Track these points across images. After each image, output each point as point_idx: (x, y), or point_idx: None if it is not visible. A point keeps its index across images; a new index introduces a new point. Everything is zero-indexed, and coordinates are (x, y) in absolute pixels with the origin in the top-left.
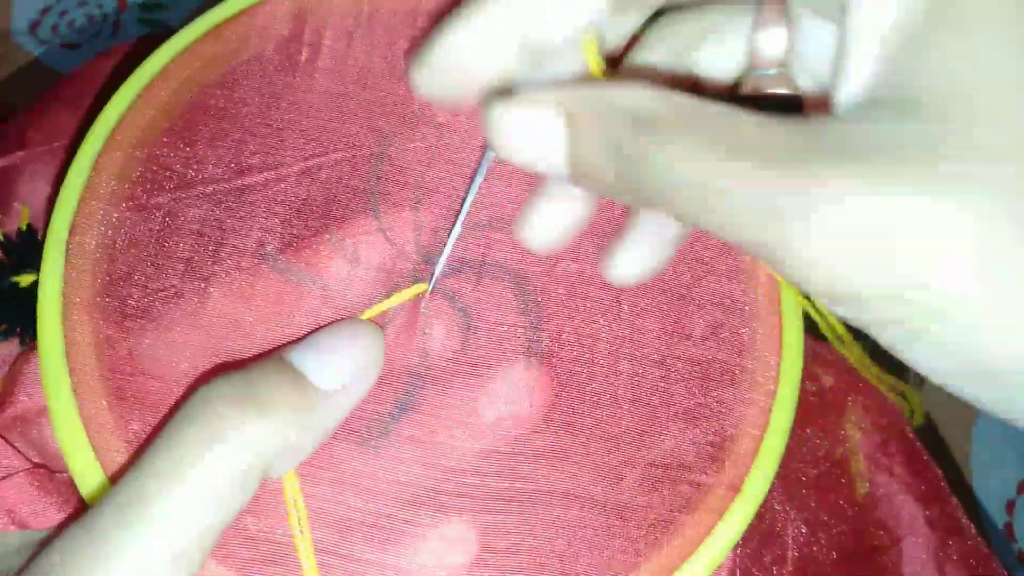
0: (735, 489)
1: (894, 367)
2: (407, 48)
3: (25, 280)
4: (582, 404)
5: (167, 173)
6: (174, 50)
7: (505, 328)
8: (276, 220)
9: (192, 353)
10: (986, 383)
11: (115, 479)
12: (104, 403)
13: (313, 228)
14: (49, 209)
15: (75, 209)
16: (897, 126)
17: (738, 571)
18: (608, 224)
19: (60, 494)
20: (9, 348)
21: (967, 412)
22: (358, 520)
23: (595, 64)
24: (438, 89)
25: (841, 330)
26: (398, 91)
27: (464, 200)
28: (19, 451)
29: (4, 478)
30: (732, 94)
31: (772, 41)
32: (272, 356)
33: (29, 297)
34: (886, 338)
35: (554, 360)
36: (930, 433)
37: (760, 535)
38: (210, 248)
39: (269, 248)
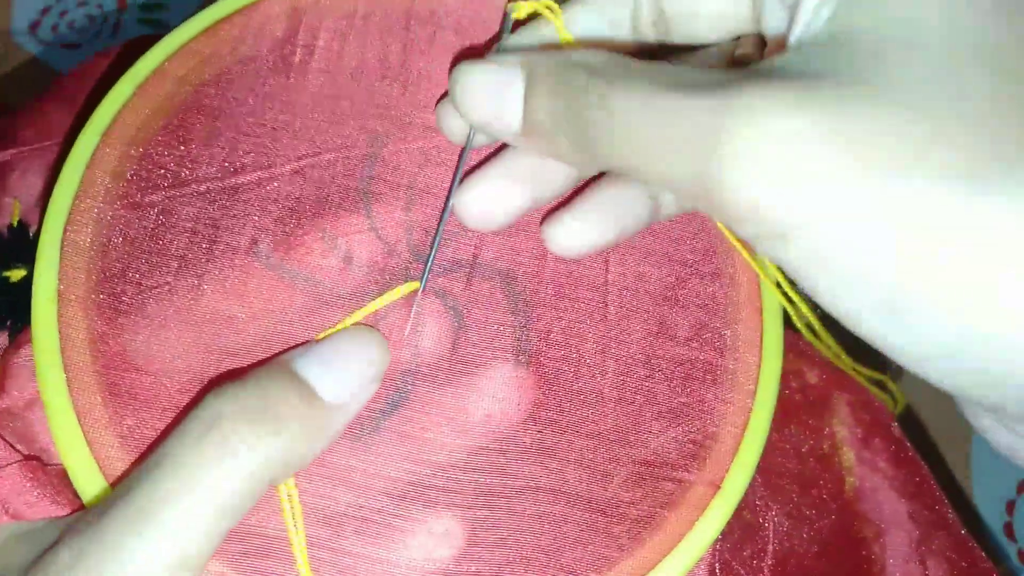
0: (715, 486)
1: (872, 360)
2: (400, 49)
3: (15, 275)
4: (569, 402)
5: (161, 171)
6: (169, 49)
7: (495, 327)
8: (269, 218)
9: (185, 349)
10: (886, 319)
11: (109, 474)
12: (98, 398)
13: (306, 227)
14: (42, 205)
15: (70, 206)
16: (817, 61)
17: (718, 564)
18: None
19: (53, 485)
20: None
21: None
22: (349, 514)
23: (563, 33)
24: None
25: (816, 324)
26: (391, 92)
27: (447, 197)
28: (10, 444)
29: None
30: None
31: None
32: (280, 365)
33: (18, 292)
34: (805, 276)
35: (542, 359)
36: (930, 433)
37: (741, 529)
38: (203, 246)
39: (262, 246)
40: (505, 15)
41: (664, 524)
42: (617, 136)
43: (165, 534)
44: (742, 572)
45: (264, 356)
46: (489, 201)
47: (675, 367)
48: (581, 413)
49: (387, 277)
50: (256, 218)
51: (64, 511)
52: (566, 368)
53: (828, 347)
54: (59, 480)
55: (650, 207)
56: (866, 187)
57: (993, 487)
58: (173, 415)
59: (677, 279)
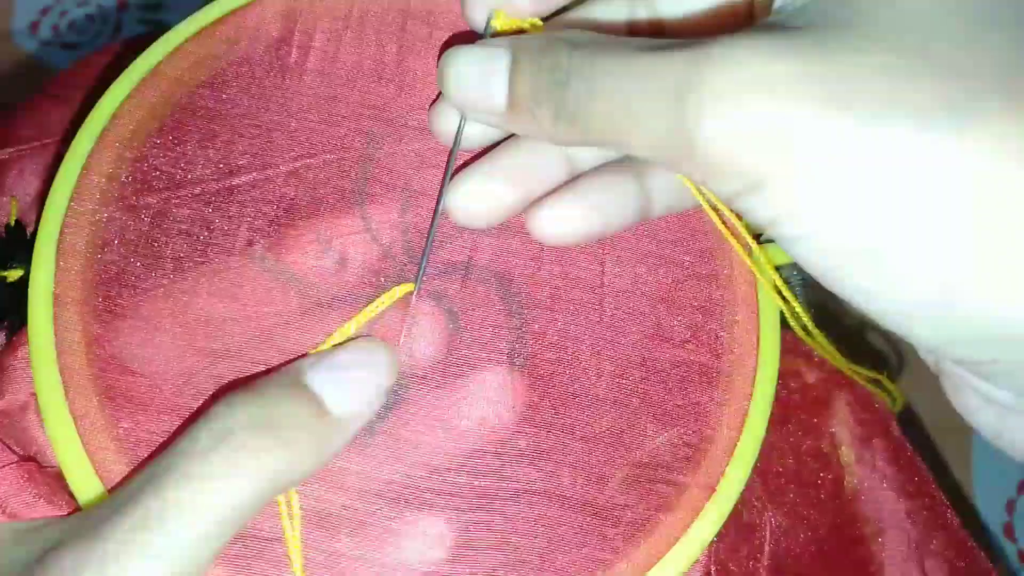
0: (711, 489)
1: (871, 360)
2: (396, 51)
3: (12, 275)
4: (564, 405)
5: (156, 173)
6: (165, 50)
7: (490, 329)
8: (264, 220)
9: (181, 351)
10: (868, 270)
11: (105, 476)
12: (95, 401)
13: (301, 228)
14: (38, 205)
15: (66, 209)
16: (796, 18)
17: (714, 565)
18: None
19: (50, 486)
20: None
21: None
22: (344, 517)
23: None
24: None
25: (810, 323)
26: (387, 94)
27: (439, 197)
28: (6, 445)
29: None
30: None
31: None
32: (290, 376)
33: (16, 291)
34: (783, 231)
35: (538, 361)
36: (930, 433)
37: (737, 529)
38: (199, 248)
39: (257, 248)
40: (487, 23)
41: (659, 527)
42: (598, 100)
43: (169, 544)
44: (738, 572)
45: (260, 357)
46: (478, 197)
47: (671, 369)
48: (576, 416)
49: (382, 279)
50: (251, 220)
51: (61, 512)
52: (561, 370)
53: (823, 347)
54: (55, 481)
55: (637, 197)
56: (841, 130)
57: (993, 487)
58: (169, 417)
59: (673, 281)
